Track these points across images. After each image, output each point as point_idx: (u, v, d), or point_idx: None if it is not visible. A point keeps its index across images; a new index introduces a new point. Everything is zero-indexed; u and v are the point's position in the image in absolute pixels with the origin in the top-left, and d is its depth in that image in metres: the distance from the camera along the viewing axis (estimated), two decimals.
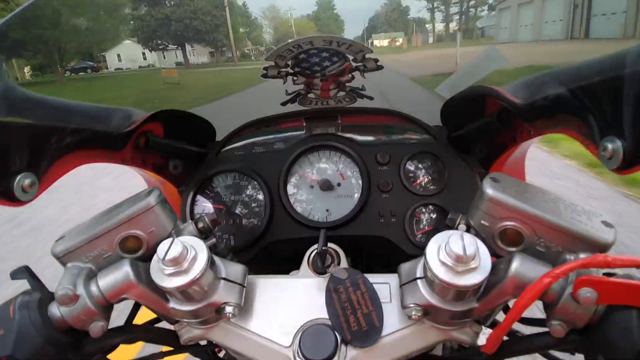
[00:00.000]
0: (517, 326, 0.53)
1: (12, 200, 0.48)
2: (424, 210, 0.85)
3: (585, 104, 0.47)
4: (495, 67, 0.74)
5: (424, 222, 0.85)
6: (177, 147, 0.88)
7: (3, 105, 0.50)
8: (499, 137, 0.76)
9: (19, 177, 0.49)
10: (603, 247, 0.45)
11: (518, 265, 0.44)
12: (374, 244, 0.87)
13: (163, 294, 0.52)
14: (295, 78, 0.87)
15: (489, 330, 0.54)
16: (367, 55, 0.80)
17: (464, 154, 0.88)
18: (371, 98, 0.93)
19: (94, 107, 0.67)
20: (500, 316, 0.53)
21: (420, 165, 0.89)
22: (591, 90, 0.45)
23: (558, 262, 0.46)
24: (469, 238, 0.45)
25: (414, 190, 0.86)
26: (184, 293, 0.49)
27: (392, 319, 0.54)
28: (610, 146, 0.41)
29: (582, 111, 0.47)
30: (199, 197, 0.91)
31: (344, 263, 0.64)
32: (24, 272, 0.51)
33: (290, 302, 0.57)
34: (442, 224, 0.81)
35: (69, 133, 0.58)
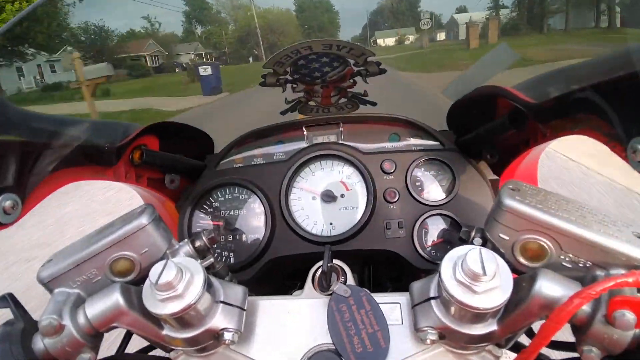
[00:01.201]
0: (543, 350, 0.49)
1: None
2: (433, 220, 0.81)
3: (608, 102, 0.43)
4: (507, 64, 0.69)
5: (434, 234, 0.81)
6: (173, 160, 0.85)
7: None
8: (510, 141, 0.72)
9: (0, 198, 0.46)
10: (637, 262, 0.40)
11: (543, 283, 0.40)
12: (381, 259, 0.83)
13: (157, 320, 0.48)
14: (294, 85, 0.84)
15: (511, 354, 0.49)
16: (369, 59, 0.77)
17: (474, 160, 0.84)
18: (374, 104, 0.89)
19: (84, 122, 0.65)
20: (523, 338, 0.48)
21: (428, 173, 0.86)
22: (615, 86, 0.42)
23: (587, 279, 0.41)
24: (487, 254, 0.41)
25: (422, 199, 0.82)
26: (179, 319, 0.46)
27: (404, 343, 0.49)
28: None
29: (605, 110, 0.44)
30: (197, 212, 0.88)
31: (350, 280, 0.60)
32: (7, 300, 0.47)
33: (293, 326, 0.53)
34: (454, 236, 0.77)
35: (56, 150, 0.55)
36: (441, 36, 0.78)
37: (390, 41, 0.87)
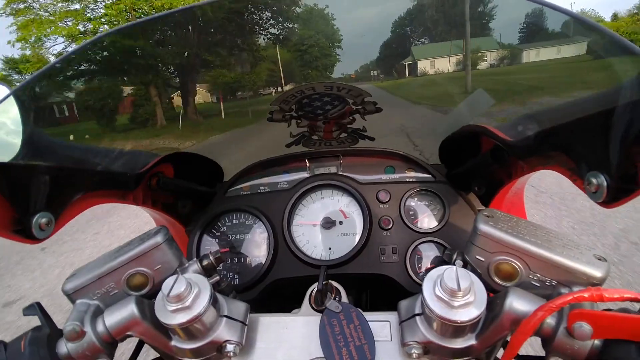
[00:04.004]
0: None
1: (29, 237, 0.51)
2: (425, 247, 0.86)
3: (570, 141, 0.49)
4: (484, 108, 0.77)
5: (426, 260, 0.85)
6: (186, 187, 0.92)
7: (28, 149, 0.54)
8: (495, 174, 0.78)
9: (37, 216, 0.52)
10: (595, 281, 0.45)
11: (513, 299, 0.45)
12: (376, 282, 0.87)
13: (166, 331, 0.53)
14: (299, 121, 0.92)
15: None
16: (365, 99, 0.85)
17: (463, 191, 0.89)
18: (372, 139, 0.97)
19: (108, 150, 0.72)
20: (501, 353, 0.52)
21: (420, 203, 0.91)
22: (575, 128, 0.48)
23: (552, 296, 0.46)
24: (462, 272, 0.46)
25: (415, 227, 0.87)
26: (187, 330, 0.50)
27: (392, 358, 0.53)
28: (594, 181, 0.43)
29: (568, 148, 0.50)
30: (205, 236, 0.93)
31: (344, 300, 0.64)
32: (35, 308, 0.53)
33: (290, 341, 0.57)
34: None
35: (86, 175, 0.62)
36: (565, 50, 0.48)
37: (443, 64, 0.55)
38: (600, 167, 0.43)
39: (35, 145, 0.58)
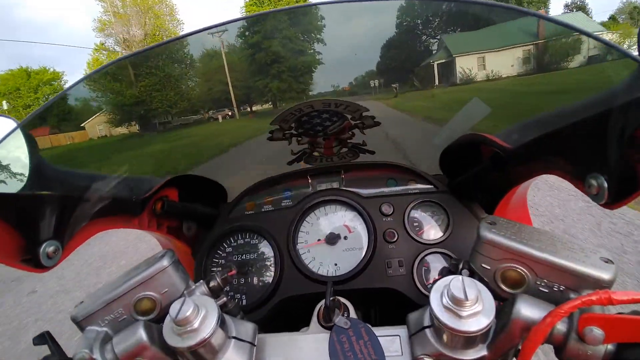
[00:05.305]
0: None
1: (38, 266, 0.52)
2: (432, 258, 0.85)
3: (568, 145, 0.50)
4: (480, 117, 0.78)
5: (433, 271, 0.85)
6: (190, 210, 0.92)
7: (34, 179, 0.56)
8: (496, 181, 0.78)
9: (44, 244, 0.53)
10: (604, 284, 0.45)
11: (521, 306, 0.44)
12: (384, 296, 0.86)
13: (175, 355, 0.52)
14: (299, 138, 0.94)
15: None
16: (364, 114, 0.86)
17: (466, 200, 0.89)
18: (372, 152, 0.98)
19: (113, 177, 0.73)
20: None
21: (424, 214, 0.91)
22: (572, 132, 0.49)
23: (561, 301, 0.45)
24: (469, 281, 0.46)
25: (420, 239, 0.87)
26: (195, 353, 0.50)
27: None
28: (594, 182, 0.43)
29: (566, 152, 0.50)
30: (211, 257, 0.94)
31: (352, 315, 0.64)
32: (45, 337, 0.53)
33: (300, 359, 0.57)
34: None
35: (92, 202, 0.63)
36: None
37: (499, 61, 0.40)
38: (599, 169, 0.43)
39: (42, 175, 0.59)
